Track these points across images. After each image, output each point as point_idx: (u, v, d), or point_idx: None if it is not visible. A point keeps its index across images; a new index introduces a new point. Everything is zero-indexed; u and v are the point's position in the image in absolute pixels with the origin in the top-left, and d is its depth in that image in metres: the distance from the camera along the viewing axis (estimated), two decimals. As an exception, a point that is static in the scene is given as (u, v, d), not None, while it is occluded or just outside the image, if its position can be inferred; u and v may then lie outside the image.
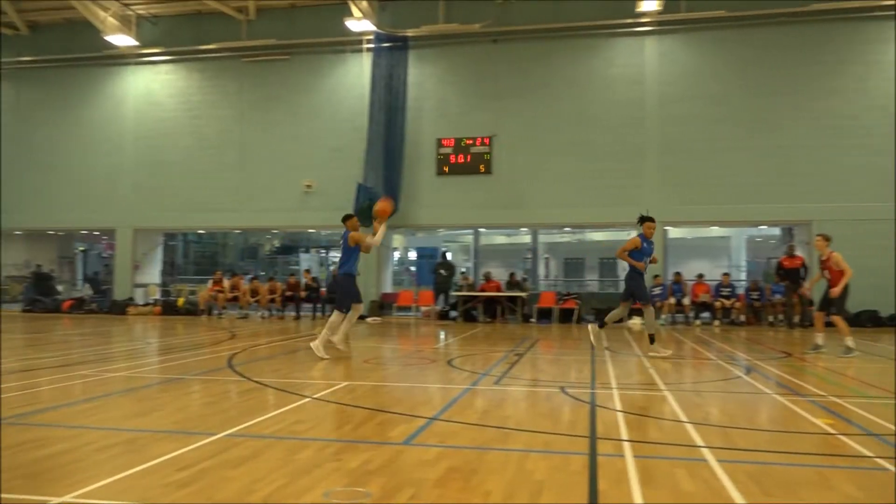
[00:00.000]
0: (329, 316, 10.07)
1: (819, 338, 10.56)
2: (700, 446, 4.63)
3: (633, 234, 10.29)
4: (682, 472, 4.02)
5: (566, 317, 18.16)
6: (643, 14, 18.40)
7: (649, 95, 18.66)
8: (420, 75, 19.91)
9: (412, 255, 28.25)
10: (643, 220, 9.95)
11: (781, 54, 17.98)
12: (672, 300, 17.68)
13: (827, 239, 10.54)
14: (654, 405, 6.27)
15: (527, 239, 22.79)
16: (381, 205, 9.67)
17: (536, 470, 4.08)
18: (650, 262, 9.91)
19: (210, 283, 20.00)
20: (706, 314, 17.78)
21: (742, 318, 17.51)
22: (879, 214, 17.14)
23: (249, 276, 21.74)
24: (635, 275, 9.85)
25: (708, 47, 18.38)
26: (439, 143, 19.59)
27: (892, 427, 5.20)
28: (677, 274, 18.20)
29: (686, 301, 17.69)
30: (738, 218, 18.44)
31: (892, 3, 17.22)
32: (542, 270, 23.31)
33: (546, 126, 19.05)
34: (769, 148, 17.88)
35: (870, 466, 4.16)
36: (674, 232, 20.63)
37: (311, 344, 9.46)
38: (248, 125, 20.87)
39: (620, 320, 10.48)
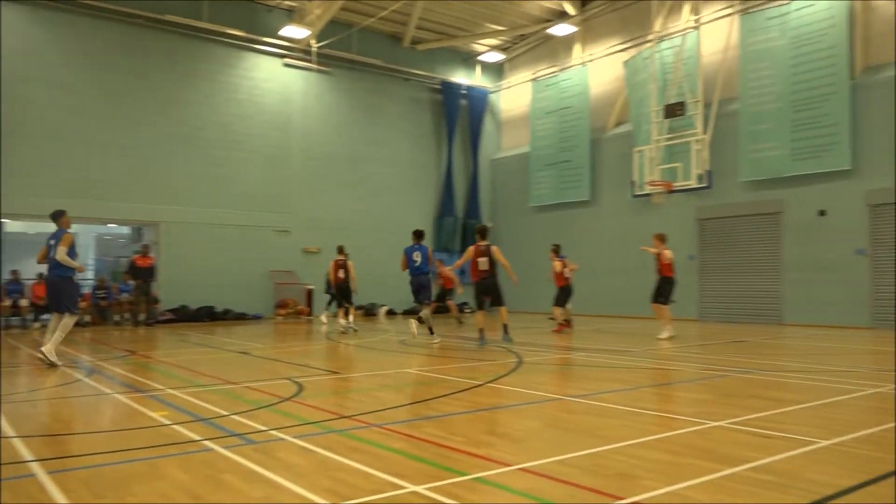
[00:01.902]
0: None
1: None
2: (28, 461, 4.25)
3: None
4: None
5: None
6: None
7: (-13, 68, 16.25)
8: None
9: None
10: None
11: (138, 57, 18.14)
12: (8, 301, 15.81)
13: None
14: (-24, 423, 5.46)
15: None
16: None
17: None
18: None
19: None
20: (47, 315, 16.50)
21: (87, 318, 16.91)
22: (219, 220, 19.05)
23: None
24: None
25: (60, 30, 17.15)
26: None
27: (218, 410, 5.81)
28: (14, 272, 16.38)
29: (24, 302, 16.07)
30: (88, 214, 17.72)
31: (237, 33, 19.41)
32: None
33: None
34: (121, 146, 17.81)
35: (197, 449, 4.54)
36: (12, 225, 18.48)
37: (44, 349, 8.93)
38: None
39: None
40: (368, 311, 20.47)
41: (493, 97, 24.96)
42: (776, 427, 5.04)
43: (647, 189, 16.79)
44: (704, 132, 16.02)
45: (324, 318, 17.45)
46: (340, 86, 21.63)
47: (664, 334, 12.32)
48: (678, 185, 16.35)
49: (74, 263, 9.00)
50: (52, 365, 8.81)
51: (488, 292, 11.14)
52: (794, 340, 12.58)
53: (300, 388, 7.04)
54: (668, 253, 12.40)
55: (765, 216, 16.98)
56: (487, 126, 24.90)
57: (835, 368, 8.42)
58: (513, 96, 24.53)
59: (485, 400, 6.41)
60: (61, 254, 8.84)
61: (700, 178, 15.92)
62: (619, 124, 20.99)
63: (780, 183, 16.51)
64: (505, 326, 11.36)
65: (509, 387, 7.11)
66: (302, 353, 10.89)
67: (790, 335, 13.62)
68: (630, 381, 7.67)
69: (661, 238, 12.57)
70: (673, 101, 16.94)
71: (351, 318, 14.32)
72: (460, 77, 24.14)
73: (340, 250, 14.35)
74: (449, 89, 23.59)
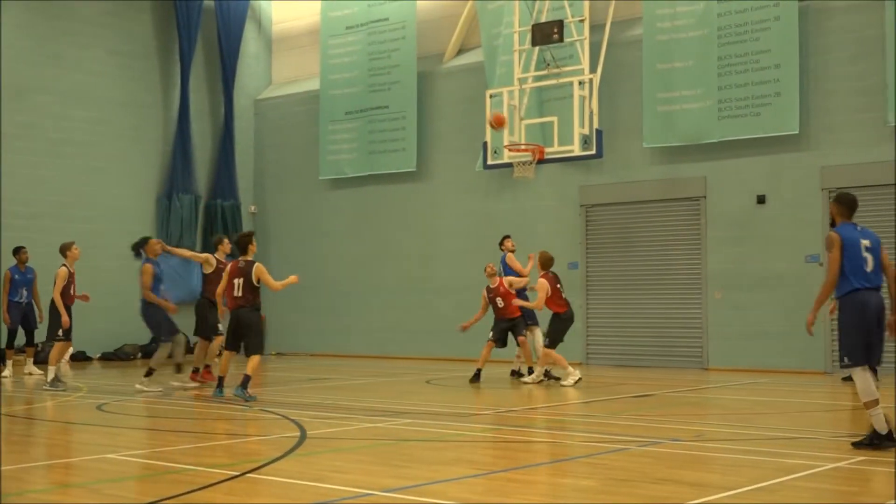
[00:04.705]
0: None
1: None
2: None
3: None
4: None
5: None
6: None
7: None
8: None
9: None
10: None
11: None
12: None
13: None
14: None
15: None
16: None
17: None
18: None
19: None
20: None
21: None
22: None
23: None
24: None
25: None
26: None
27: None
28: None
29: None
30: None
31: None
32: None
33: None
34: None
35: None
36: None
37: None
38: None
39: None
40: (39, 354, 19.46)
41: (259, -2, 24.79)
42: (695, 527, 5.40)
43: (507, 156, 17.30)
44: (593, 70, 16.76)
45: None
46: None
47: (569, 380, 13.77)
48: (553, 151, 16.97)
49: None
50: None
51: (244, 330, 12.62)
52: (723, 392, 13.55)
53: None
54: (542, 282, 13.77)
55: (680, 203, 18.19)
56: (249, 45, 24.64)
57: (778, 434, 9.16)
58: (293, -2, 24.51)
59: (242, 501, 6.32)
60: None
61: (586, 141, 16.60)
62: (463, 51, 21.54)
63: (702, 152, 17.70)
64: (246, 378, 12.36)
65: (283, 478, 7.05)
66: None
67: (716, 384, 14.66)
68: (480, 461, 7.88)
69: (544, 259, 14.17)
70: (546, 19, 17.57)
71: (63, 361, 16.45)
72: (204, -39, 23.72)
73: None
74: (185, -20, 23.11)
